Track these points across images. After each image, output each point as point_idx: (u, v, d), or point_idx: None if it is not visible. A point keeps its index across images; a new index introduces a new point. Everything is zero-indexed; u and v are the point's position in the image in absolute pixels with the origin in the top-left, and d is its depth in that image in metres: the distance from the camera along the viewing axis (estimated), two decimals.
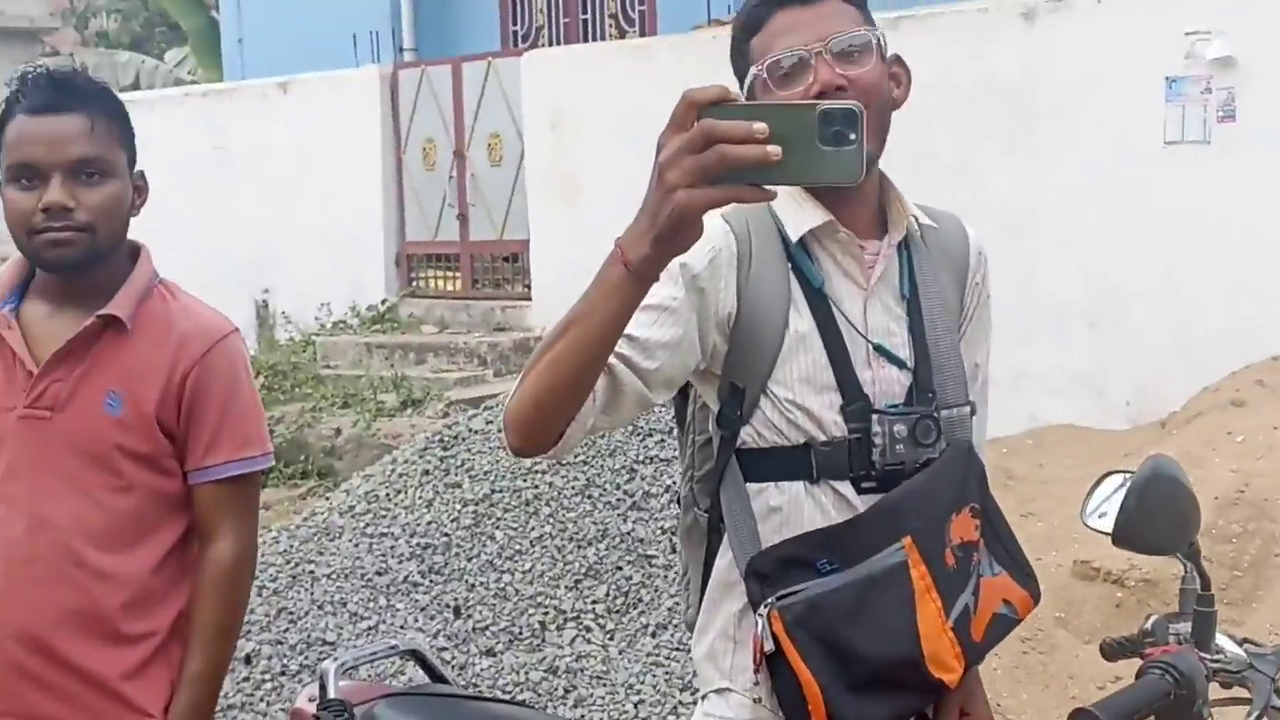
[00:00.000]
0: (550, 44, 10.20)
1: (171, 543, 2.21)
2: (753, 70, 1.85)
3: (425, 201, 9.54)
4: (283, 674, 5.07)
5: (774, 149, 1.30)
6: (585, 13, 10.28)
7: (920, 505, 1.76)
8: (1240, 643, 1.73)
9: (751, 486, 1.82)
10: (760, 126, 1.31)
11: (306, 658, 5.11)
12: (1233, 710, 1.69)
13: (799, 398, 1.79)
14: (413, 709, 2.29)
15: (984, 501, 1.83)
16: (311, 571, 5.50)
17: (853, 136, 1.32)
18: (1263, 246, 5.88)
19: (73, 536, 2.14)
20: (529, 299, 8.84)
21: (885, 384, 1.81)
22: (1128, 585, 4.43)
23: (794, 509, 1.79)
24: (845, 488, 1.79)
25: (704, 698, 1.89)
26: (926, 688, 1.74)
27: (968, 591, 1.77)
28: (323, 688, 2.27)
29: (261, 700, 4.97)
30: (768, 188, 1.34)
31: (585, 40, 10.03)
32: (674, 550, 5.25)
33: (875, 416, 1.79)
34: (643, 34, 9.71)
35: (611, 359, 1.65)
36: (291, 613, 5.32)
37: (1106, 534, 1.90)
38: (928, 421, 1.80)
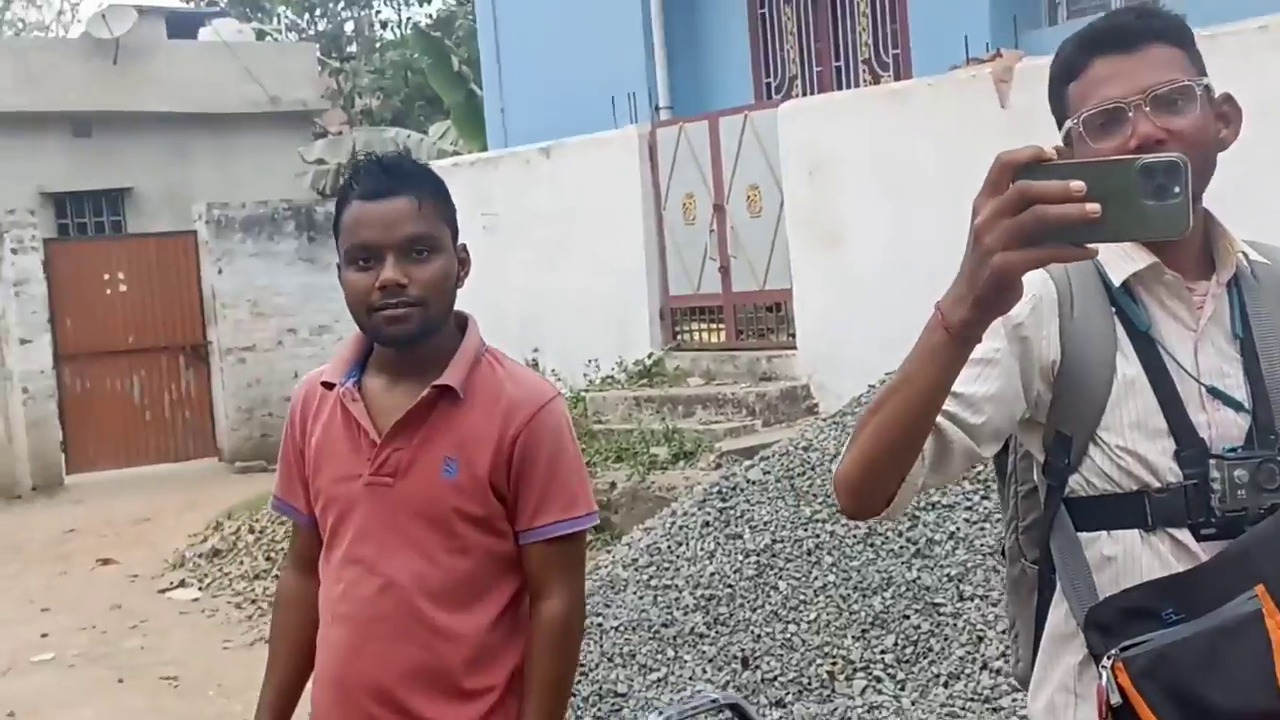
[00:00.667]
0: (804, 93, 10.25)
1: (506, 601, 2.30)
2: (1069, 122, 1.83)
3: (687, 255, 9.69)
4: None
5: (1093, 206, 1.29)
6: (838, 60, 10.29)
7: (1272, 552, 1.69)
8: None
9: (1083, 536, 1.79)
10: (1078, 185, 1.30)
11: (599, 709, 5.21)
12: None
13: (1130, 444, 1.75)
14: None
15: None
16: (599, 624, 5.61)
17: (1177, 190, 1.31)
18: None
19: (416, 596, 2.25)
20: (794, 347, 8.86)
21: (1222, 427, 1.76)
22: None
23: (1130, 558, 1.75)
24: (1184, 536, 1.74)
25: None
26: None
27: None
28: None
29: None
30: (1089, 246, 1.34)
31: (839, 88, 10.04)
32: (961, 598, 5.15)
33: (1213, 461, 1.73)
34: (897, 78, 9.66)
35: (939, 418, 1.66)
36: (582, 665, 5.44)
37: None
38: (1271, 466, 1.73)
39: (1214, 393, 1.77)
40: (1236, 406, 1.77)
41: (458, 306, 2.35)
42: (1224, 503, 1.73)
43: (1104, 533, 1.78)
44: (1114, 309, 1.79)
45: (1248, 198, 6.06)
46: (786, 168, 8.75)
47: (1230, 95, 1.84)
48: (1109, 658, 1.70)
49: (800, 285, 8.72)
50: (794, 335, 8.89)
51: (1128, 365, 1.77)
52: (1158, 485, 1.75)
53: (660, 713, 2.38)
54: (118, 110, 17.98)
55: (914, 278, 7.29)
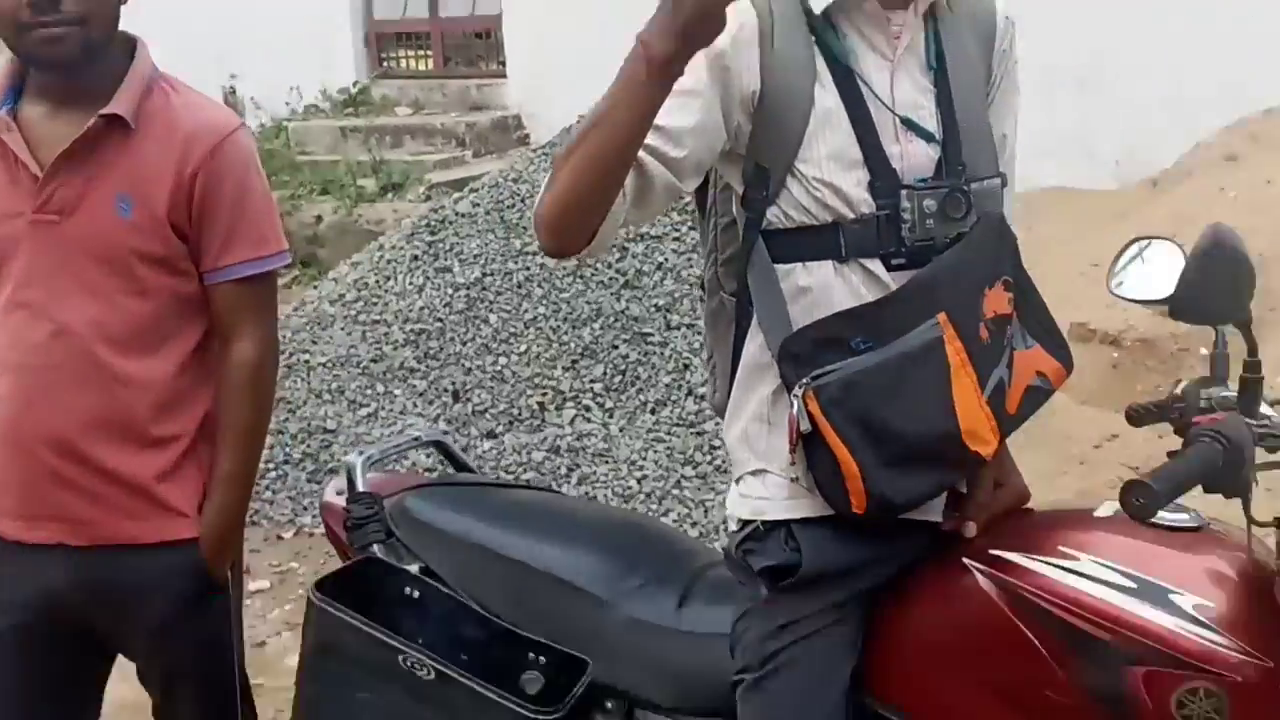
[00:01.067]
0: None
1: (192, 346, 2.19)
2: None
3: None
4: (286, 462, 5.12)
5: None
6: None
7: (954, 281, 1.74)
8: (1274, 403, 1.74)
9: (780, 268, 1.79)
10: None
11: (309, 446, 5.15)
12: (1274, 475, 1.70)
13: (826, 175, 1.75)
14: (441, 498, 2.30)
15: (1016, 274, 1.81)
16: (307, 361, 5.50)
17: None
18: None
19: (94, 341, 2.11)
20: (504, 76, 8.66)
21: (914, 158, 1.77)
22: (1124, 346, 4.48)
23: (823, 289, 1.76)
24: (875, 266, 1.76)
25: (739, 480, 1.89)
26: (963, 462, 1.75)
27: (1001, 365, 1.76)
28: (350, 481, 2.27)
29: (266, 489, 5.03)
30: None
31: None
32: (669, 327, 5.26)
33: (904, 192, 1.74)
34: None
35: (640, 152, 1.64)
36: (290, 402, 5.34)
37: (1134, 300, 1.88)
38: (957, 195, 1.76)
39: (907, 124, 1.77)
40: (928, 138, 1.78)
41: (135, 29, 2.14)
42: (914, 232, 1.75)
43: (800, 264, 1.78)
44: (815, 39, 1.76)
45: None
46: None
47: None
48: (800, 386, 1.72)
49: (511, 11, 8.46)
50: (504, 63, 8.68)
51: (826, 96, 1.75)
52: (852, 216, 1.75)
53: (361, 452, 2.34)
54: None
55: (628, 6, 7.16)
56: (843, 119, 1.75)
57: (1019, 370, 1.79)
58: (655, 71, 1.46)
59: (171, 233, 2.12)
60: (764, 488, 1.84)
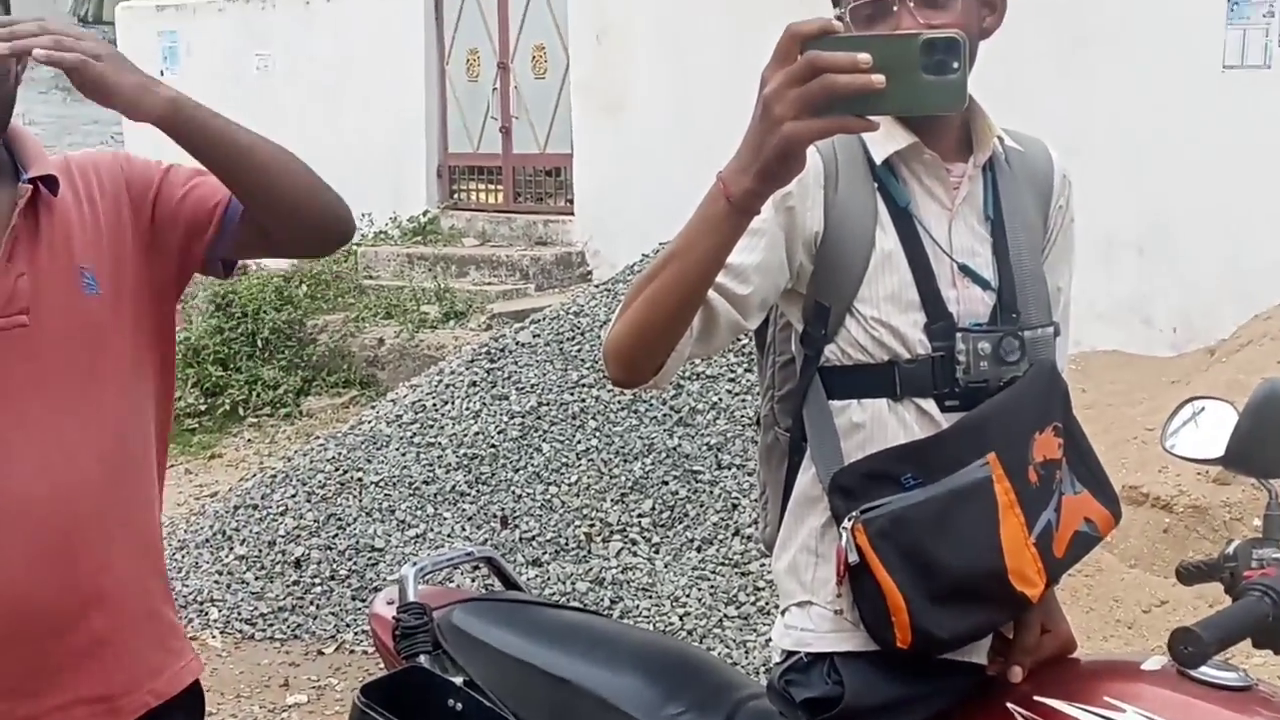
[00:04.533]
0: None
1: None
2: (836, 10, 1.84)
3: (468, 113, 9.50)
4: (332, 578, 5.16)
5: (878, 77, 1.32)
6: None
7: (1004, 422, 1.77)
8: None
9: (834, 404, 1.83)
10: (864, 57, 1.33)
11: (355, 563, 5.19)
12: None
13: (884, 315, 1.80)
14: (489, 614, 2.32)
15: (1067, 420, 1.84)
16: (360, 479, 5.57)
17: (955, 65, 1.35)
18: None
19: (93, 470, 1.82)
20: (571, 213, 8.83)
21: (969, 303, 1.82)
22: (1175, 511, 4.45)
23: (877, 426, 1.81)
24: (929, 405, 1.80)
25: (784, 611, 1.91)
26: (1009, 601, 1.76)
27: (1050, 508, 1.78)
28: (401, 591, 2.30)
29: (311, 604, 5.06)
30: (871, 118, 1.37)
31: None
32: (720, 466, 5.28)
33: (959, 334, 1.80)
34: None
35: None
36: (340, 519, 5.40)
37: (1186, 459, 1.90)
38: (1012, 339, 1.81)
39: (964, 270, 1.82)
40: (984, 284, 1.83)
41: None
42: (967, 374, 1.79)
43: (855, 401, 1.82)
44: (876, 184, 1.83)
45: (1018, 94, 6.28)
46: (574, 29, 8.63)
47: None
48: (850, 519, 1.76)
49: (581, 150, 8.66)
50: (572, 200, 8.86)
51: (886, 239, 1.81)
52: (907, 356, 1.80)
53: (414, 563, 2.37)
54: None
55: (694, 148, 7.30)
56: (901, 262, 1.81)
57: (1067, 515, 1.81)
58: (734, 210, 1.50)
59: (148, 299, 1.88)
60: (809, 619, 1.86)
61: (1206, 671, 1.68)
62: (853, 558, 1.75)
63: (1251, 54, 5.98)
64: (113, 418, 1.83)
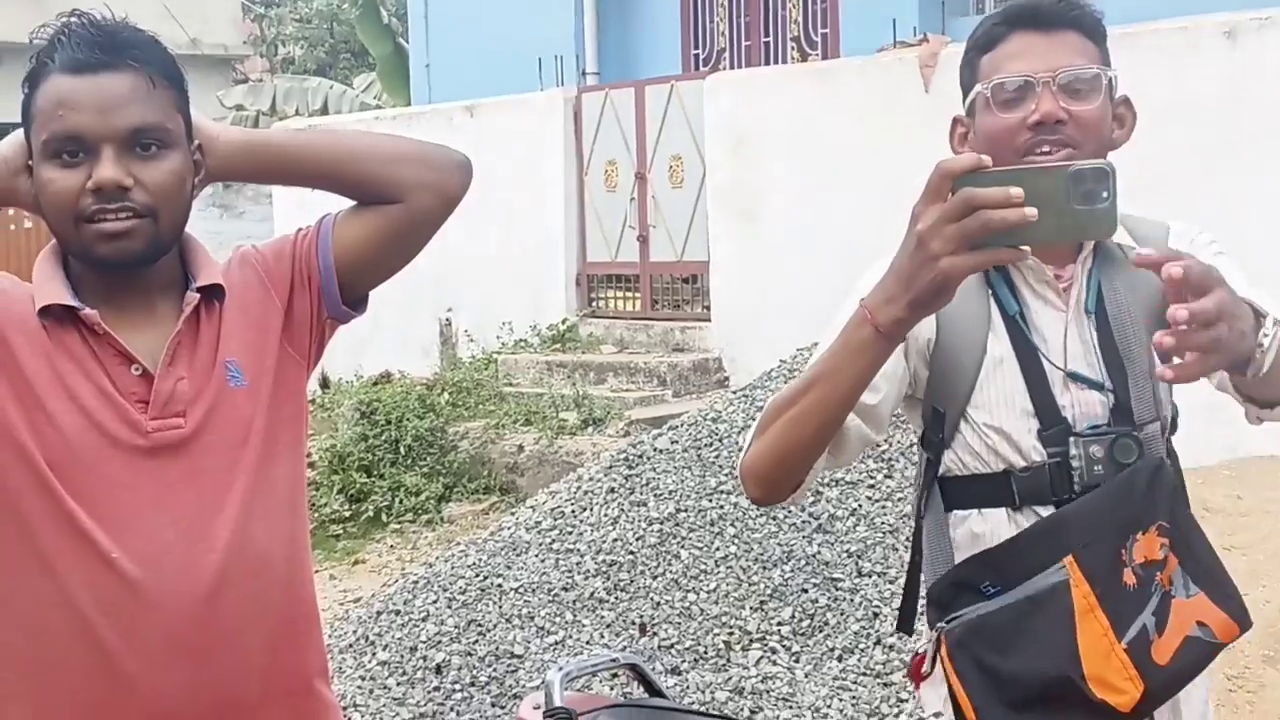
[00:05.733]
0: (731, 66, 10.25)
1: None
2: (978, 87, 1.86)
3: (606, 222, 9.66)
4: (472, 685, 5.17)
5: (1031, 211, 1.37)
6: (767, 35, 10.31)
7: (1085, 523, 1.73)
8: None
9: (957, 514, 1.84)
10: (1017, 191, 1.38)
11: (495, 670, 5.20)
12: None
13: (998, 421, 1.80)
14: (634, 719, 2.31)
15: (1175, 519, 1.77)
16: (500, 585, 5.60)
17: (1105, 194, 1.39)
18: None
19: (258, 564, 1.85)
20: (708, 320, 8.89)
21: (1085, 406, 1.80)
22: None
23: (995, 536, 1.80)
24: (1048, 512, 1.78)
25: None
26: (1092, 710, 1.69)
27: (1147, 612, 1.71)
28: (548, 695, 2.30)
29: (451, 710, 5.08)
30: (1023, 248, 1.43)
31: (766, 63, 10.05)
32: (860, 574, 5.21)
33: (1072, 439, 1.78)
34: (825, 57, 9.70)
35: None
36: (480, 625, 5.42)
37: None
38: (1127, 440, 1.78)
39: (1075, 377, 1.81)
40: (1098, 387, 1.81)
41: None
42: (1083, 479, 1.77)
43: (976, 511, 1.83)
44: (990, 291, 1.84)
45: (1167, 193, 6.20)
46: (710, 140, 8.75)
47: (1128, 98, 1.90)
48: (936, 630, 1.77)
49: (717, 258, 8.74)
50: (708, 307, 8.92)
51: (998, 345, 1.82)
52: (1023, 464, 1.80)
53: (560, 668, 2.38)
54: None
55: (829, 256, 7.34)
56: (1014, 368, 1.81)
57: (1176, 620, 1.72)
58: (882, 337, 1.54)
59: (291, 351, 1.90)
60: None
61: None
62: (927, 669, 1.77)
63: None
64: (265, 504, 1.83)
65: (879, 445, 1.94)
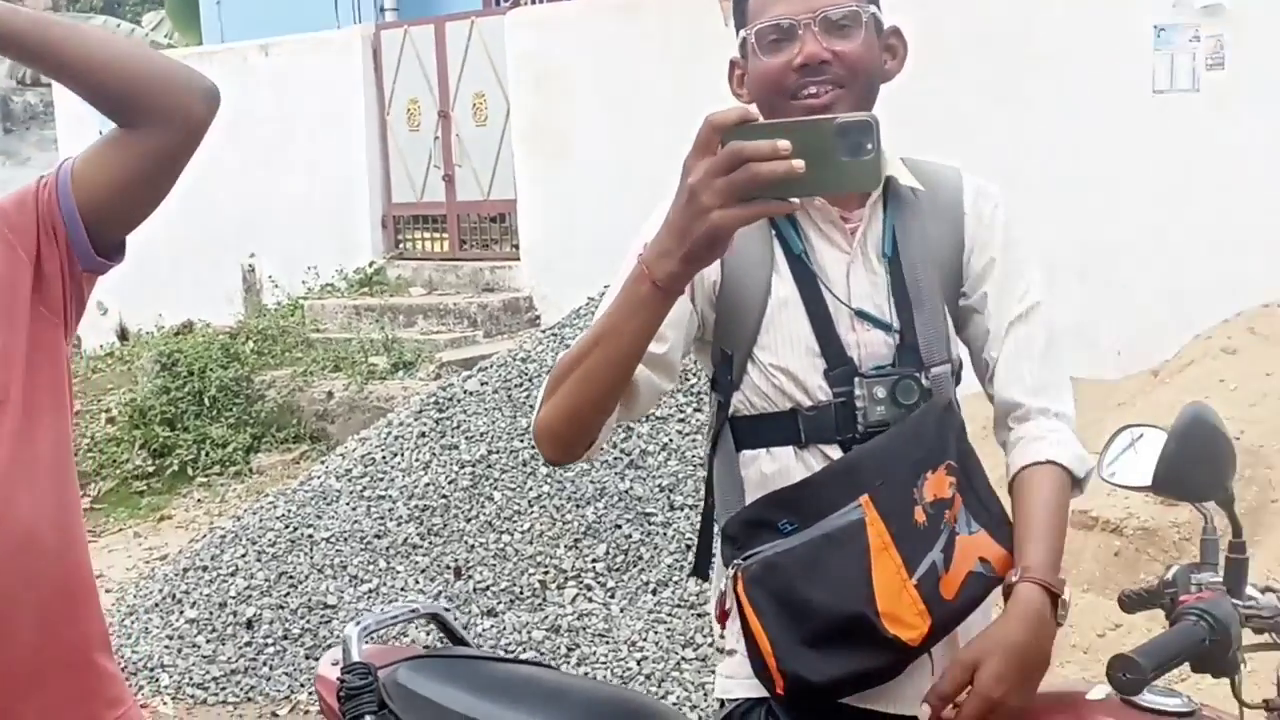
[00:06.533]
0: (533, 2, 10.13)
1: None
2: (743, 32, 1.85)
3: (411, 163, 9.49)
4: (285, 638, 5.09)
5: (798, 163, 1.38)
6: None
7: (880, 463, 1.76)
8: (1263, 590, 1.75)
9: (746, 454, 1.84)
10: (784, 144, 1.39)
11: (308, 621, 5.12)
12: (1265, 656, 1.70)
13: (784, 362, 1.81)
14: (435, 671, 2.28)
15: (962, 459, 1.80)
16: (310, 535, 5.51)
17: (869, 146, 1.40)
18: (1251, 194, 5.89)
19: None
20: (517, 259, 8.82)
21: (871, 346, 1.82)
22: (1125, 534, 4.46)
23: (784, 474, 1.81)
24: (834, 451, 1.80)
25: (722, 657, 1.92)
26: (884, 645, 1.71)
27: (936, 549, 1.74)
28: (345, 651, 2.26)
29: (264, 665, 4.99)
30: (792, 200, 1.44)
31: None
32: (672, 508, 5.27)
33: (857, 380, 1.80)
34: None
35: None
36: (292, 577, 5.33)
37: (1125, 487, 1.90)
38: (909, 382, 1.80)
39: (861, 315, 1.82)
40: (885, 327, 1.83)
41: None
42: (866, 419, 1.80)
43: (764, 450, 1.83)
44: (774, 232, 1.84)
45: (958, 125, 6.35)
46: (513, 77, 8.65)
47: (899, 28, 1.90)
48: (732, 567, 1.77)
49: (525, 196, 8.67)
50: (518, 246, 8.86)
51: (782, 286, 1.82)
52: (809, 404, 1.81)
53: (358, 622, 2.34)
54: None
55: (637, 192, 7.32)
56: (799, 308, 1.82)
57: (960, 556, 1.75)
58: (660, 292, 1.53)
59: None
60: (732, 666, 1.86)
61: (1149, 698, 1.67)
62: (729, 604, 1.78)
63: (1180, 78, 6.07)
64: (29, 474, 1.76)
65: (666, 395, 1.92)
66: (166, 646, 5.16)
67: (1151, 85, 6.13)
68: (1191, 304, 5.88)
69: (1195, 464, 1.72)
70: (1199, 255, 6.02)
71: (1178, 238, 6.08)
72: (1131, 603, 1.83)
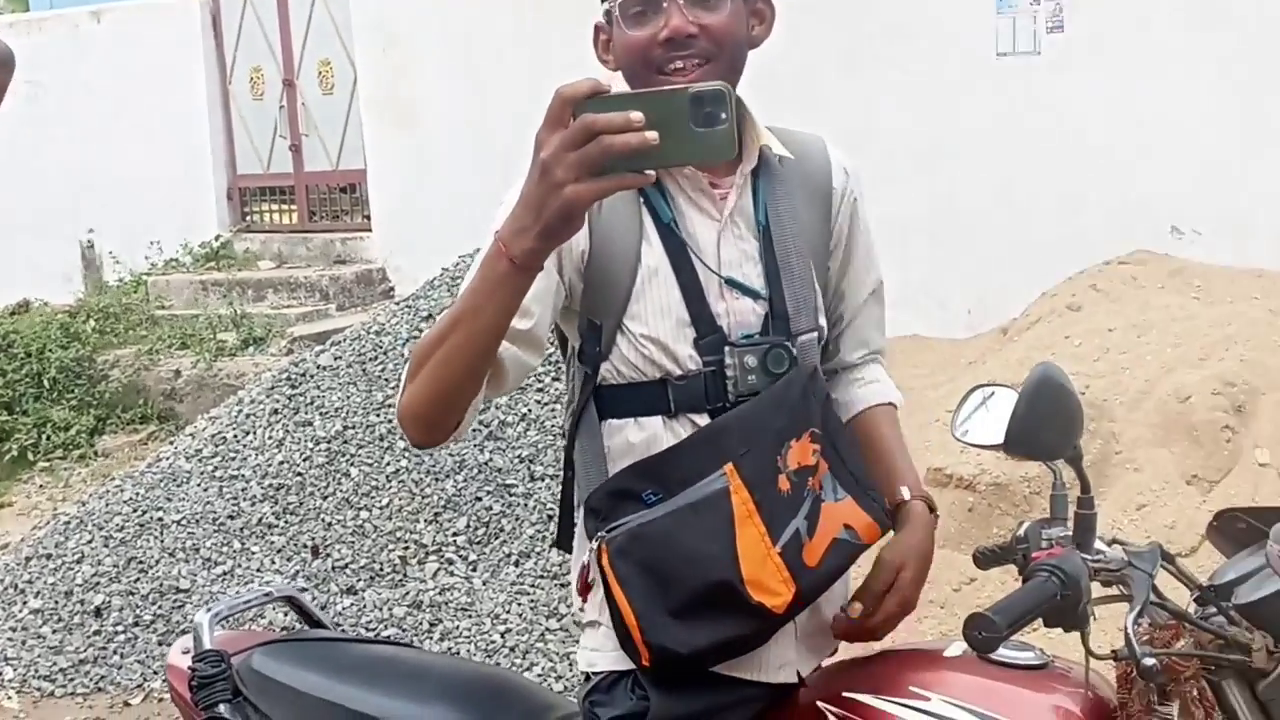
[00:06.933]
0: None
1: None
2: (606, 4, 1.82)
3: (255, 132, 9.27)
4: (136, 625, 4.95)
5: (652, 135, 1.36)
6: None
7: (745, 431, 1.75)
8: (1110, 543, 1.78)
9: (613, 423, 1.82)
10: (637, 116, 1.36)
11: (160, 607, 4.99)
12: (1113, 607, 1.73)
13: (653, 332, 1.78)
14: (291, 655, 2.23)
15: (827, 426, 1.81)
16: (160, 519, 5.36)
17: (723, 115, 1.38)
18: (1092, 154, 6.05)
19: None
20: (369, 229, 8.69)
21: (740, 315, 1.81)
22: (978, 490, 4.55)
23: (653, 444, 1.79)
24: (703, 420, 1.79)
25: (584, 630, 1.89)
26: (749, 613, 1.71)
27: (800, 516, 1.74)
28: (197, 639, 2.19)
29: (115, 653, 4.85)
30: (648, 172, 1.40)
31: None
32: (533, 478, 5.23)
33: (727, 349, 1.79)
34: None
35: None
36: (142, 562, 5.18)
37: (978, 445, 1.92)
38: (779, 350, 1.80)
39: (731, 283, 1.81)
40: (754, 295, 1.82)
41: None
42: (737, 388, 1.79)
43: (632, 420, 1.81)
44: (642, 200, 1.81)
45: (808, 91, 6.39)
46: (360, 43, 8.48)
47: None
48: (596, 540, 1.75)
49: (375, 165, 8.52)
50: (369, 217, 8.72)
51: (652, 255, 1.79)
52: (679, 373, 1.79)
53: (209, 609, 2.27)
54: None
55: (489, 159, 7.26)
56: (669, 277, 1.79)
57: (825, 523, 1.76)
58: (517, 270, 1.49)
59: None
60: (596, 639, 1.84)
61: (1004, 653, 1.70)
62: (593, 577, 1.75)
63: (1022, 41, 6.19)
64: None
65: (532, 372, 1.88)
66: (10, 639, 4.98)
67: (995, 48, 6.25)
68: (1037, 262, 6.01)
69: (1045, 423, 1.74)
70: (1044, 214, 6.16)
71: (1023, 198, 6.22)
72: (986, 559, 1.86)
